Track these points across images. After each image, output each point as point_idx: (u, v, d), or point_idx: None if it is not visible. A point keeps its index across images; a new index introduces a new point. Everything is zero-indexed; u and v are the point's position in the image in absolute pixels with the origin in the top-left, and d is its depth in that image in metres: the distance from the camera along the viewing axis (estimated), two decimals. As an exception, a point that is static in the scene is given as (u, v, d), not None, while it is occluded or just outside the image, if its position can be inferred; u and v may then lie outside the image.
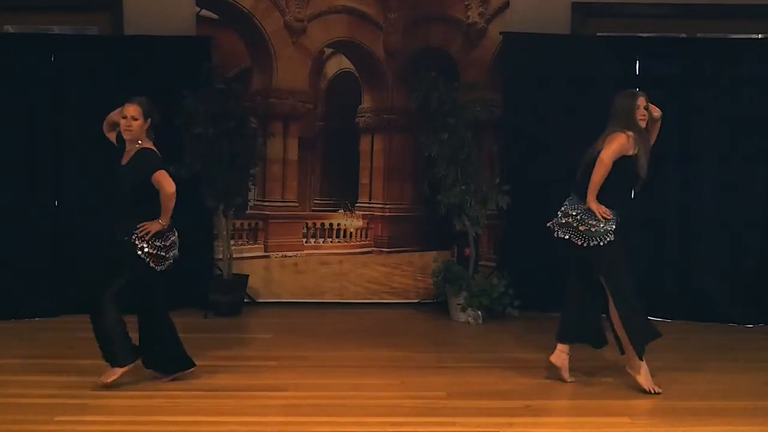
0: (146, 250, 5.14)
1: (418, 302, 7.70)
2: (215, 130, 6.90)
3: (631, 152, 5.19)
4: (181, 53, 7.26)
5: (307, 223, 7.71)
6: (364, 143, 7.70)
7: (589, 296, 5.51)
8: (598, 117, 7.22)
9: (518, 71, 7.38)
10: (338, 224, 7.73)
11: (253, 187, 7.49)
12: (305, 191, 7.69)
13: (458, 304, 7.15)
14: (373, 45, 7.60)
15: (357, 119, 7.68)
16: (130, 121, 5.11)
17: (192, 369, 5.44)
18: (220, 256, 7.42)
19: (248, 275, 7.51)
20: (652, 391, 5.18)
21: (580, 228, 5.31)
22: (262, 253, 7.67)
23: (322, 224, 7.73)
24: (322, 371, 5.72)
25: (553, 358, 5.47)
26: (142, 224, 5.11)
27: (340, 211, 7.73)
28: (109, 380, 5.17)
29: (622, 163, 5.19)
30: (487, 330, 6.96)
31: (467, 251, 7.30)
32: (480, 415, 4.85)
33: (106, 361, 5.23)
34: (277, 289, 7.68)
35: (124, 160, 5.24)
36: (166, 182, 5.11)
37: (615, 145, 5.17)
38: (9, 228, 7.01)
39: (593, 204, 5.20)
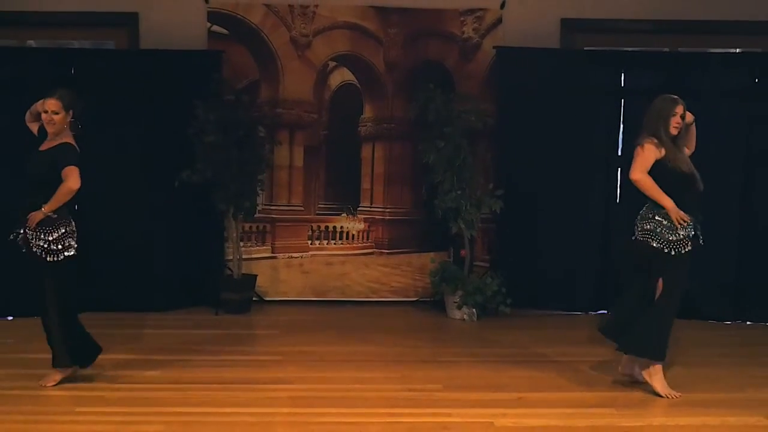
0: (40, 244, 4.88)
1: (416, 300, 7.70)
2: (225, 139, 6.91)
3: (659, 156, 4.91)
4: (193, 66, 7.27)
5: (312, 226, 7.71)
6: (366, 151, 7.71)
7: (644, 301, 5.19)
8: (586, 126, 7.33)
9: (510, 83, 7.39)
10: (341, 227, 7.74)
11: (261, 191, 7.47)
12: (310, 196, 7.69)
13: (454, 302, 7.16)
14: (374, 58, 7.61)
15: (359, 128, 7.68)
16: (51, 115, 4.83)
17: (72, 368, 5.14)
18: (230, 257, 7.43)
19: (256, 275, 7.52)
20: (671, 396, 4.99)
21: (654, 233, 4.98)
22: (270, 254, 7.67)
23: (326, 227, 7.73)
24: (326, 365, 5.73)
25: (622, 368, 5.33)
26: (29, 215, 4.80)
27: (343, 214, 7.73)
28: (48, 383, 5.08)
29: (657, 168, 4.91)
30: (481, 326, 6.97)
31: (463, 252, 7.32)
32: (475, 406, 4.86)
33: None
34: (284, 288, 7.68)
35: (43, 148, 4.98)
36: (72, 177, 4.82)
37: (638, 161, 4.93)
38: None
39: (674, 213, 4.87)
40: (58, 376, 5.09)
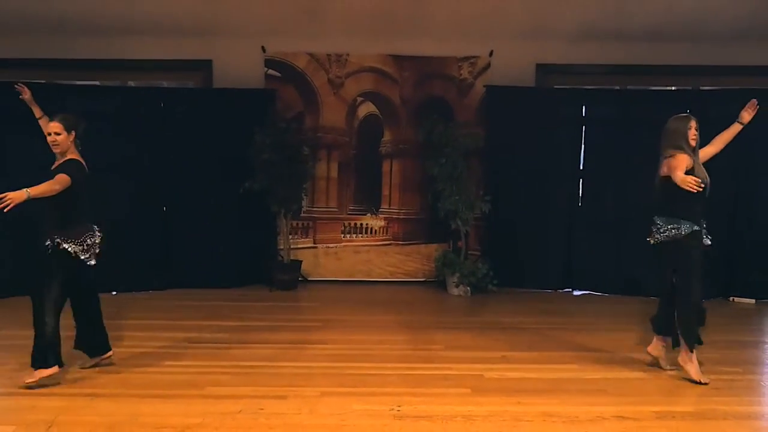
0: (67, 248, 4.19)
1: (424, 280, 7.69)
2: (278, 156, 6.94)
3: (690, 166, 4.35)
4: (254, 101, 7.30)
5: (344, 223, 7.71)
6: (386, 165, 7.70)
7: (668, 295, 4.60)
8: (555, 147, 7.31)
9: (497, 113, 7.37)
10: (366, 224, 7.74)
11: (305, 197, 7.49)
12: (343, 200, 7.69)
13: (453, 282, 7.15)
14: (392, 95, 7.61)
15: (380, 148, 7.68)
16: (54, 136, 4.28)
17: (51, 369, 4.22)
18: (282, 247, 7.45)
19: (301, 261, 7.54)
20: (703, 382, 4.39)
21: (661, 229, 4.47)
22: (312, 245, 7.68)
23: (355, 224, 7.74)
24: (354, 329, 5.74)
25: (650, 348, 4.74)
26: (4, 195, 3.80)
27: (368, 214, 7.73)
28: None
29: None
30: (473, 301, 6.95)
31: (460, 244, 7.31)
32: (468, 362, 4.86)
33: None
34: (322, 270, 7.69)
35: (53, 167, 4.31)
36: (58, 181, 4.09)
37: (681, 165, 4.29)
38: (134, 225, 7.03)
39: (684, 179, 4.16)
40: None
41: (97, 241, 4.36)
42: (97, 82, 7.53)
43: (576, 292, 7.37)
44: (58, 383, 4.25)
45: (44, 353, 4.18)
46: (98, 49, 7.21)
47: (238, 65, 7.38)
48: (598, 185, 7.37)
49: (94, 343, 4.58)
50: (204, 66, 7.44)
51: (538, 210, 7.33)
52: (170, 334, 5.43)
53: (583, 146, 7.39)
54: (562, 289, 7.44)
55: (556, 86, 7.60)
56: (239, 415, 3.84)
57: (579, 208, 7.42)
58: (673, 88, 7.67)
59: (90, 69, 7.37)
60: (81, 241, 4.25)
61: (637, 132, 7.05)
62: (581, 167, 7.40)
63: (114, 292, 6.86)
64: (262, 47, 7.41)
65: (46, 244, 4.19)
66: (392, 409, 3.94)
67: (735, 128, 4.66)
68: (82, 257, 4.25)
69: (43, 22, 6.92)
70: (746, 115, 4.63)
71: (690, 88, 7.55)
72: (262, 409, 3.93)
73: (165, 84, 7.81)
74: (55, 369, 4.23)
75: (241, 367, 4.67)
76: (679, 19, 7.02)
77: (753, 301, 6.96)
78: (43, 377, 4.19)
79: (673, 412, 3.96)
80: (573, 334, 5.62)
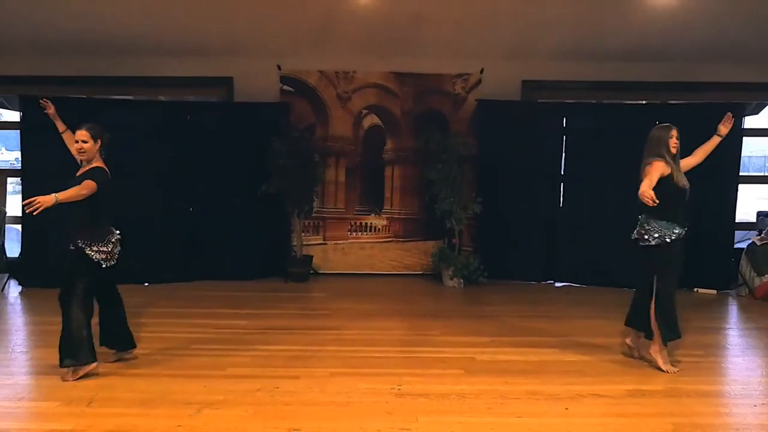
0: (91, 254, 4.00)
1: (421, 273, 7.67)
2: (292, 163, 6.94)
3: (666, 173, 4.20)
4: (270, 113, 7.30)
5: (351, 222, 7.71)
6: (388, 171, 7.69)
7: (646, 292, 4.41)
8: (539, 154, 7.31)
9: (487, 124, 7.36)
10: (371, 223, 7.73)
11: (316, 199, 7.48)
12: (350, 202, 7.68)
13: (448, 275, 7.15)
14: (394, 108, 7.60)
15: (383, 156, 7.67)
16: (81, 144, 4.04)
17: (85, 365, 4.04)
18: (295, 243, 7.45)
19: (312, 255, 7.53)
20: (670, 372, 4.28)
21: (651, 232, 4.26)
22: (322, 242, 7.67)
23: (361, 223, 7.73)
24: (359, 317, 5.75)
25: (629, 340, 4.60)
26: (34, 199, 3.66)
27: (372, 214, 7.72)
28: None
29: (663, 183, 4.17)
30: (466, 292, 6.95)
31: (454, 241, 7.30)
32: (461, 346, 4.87)
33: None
34: (332, 264, 7.67)
35: (78, 173, 4.10)
36: (85, 187, 3.90)
37: (653, 173, 4.16)
38: (164, 224, 7.07)
39: (643, 192, 3.98)
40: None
41: (117, 246, 4.14)
42: (131, 97, 7.55)
43: (557, 284, 7.37)
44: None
45: (75, 349, 3.98)
46: (132, 68, 7.23)
47: (256, 81, 7.38)
48: (577, 188, 7.36)
49: (119, 340, 4.39)
50: (226, 82, 7.44)
51: (524, 210, 7.32)
52: (196, 321, 5.46)
53: (564, 154, 7.38)
54: (545, 281, 7.43)
55: (539, 100, 7.58)
56: (258, 393, 3.87)
57: (560, 209, 7.42)
58: (645, 102, 7.67)
59: (125, 85, 7.39)
60: (103, 245, 4.04)
61: (612, 141, 7.04)
62: (562, 172, 7.39)
63: (146, 283, 6.89)
64: (278, 65, 7.42)
65: (71, 248, 3.99)
66: (393, 388, 3.96)
67: (714, 140, 4.55)
68: (104, 265, 4.06)
69: (84, 44, 6.95)
70: (723, 128, 4.54)
71: (659, 102, 7.55)
72: (277, 387, 3.95)
73: (191, 98, 7.83)
74: (93, 365, 4.06)
75: (259, 351, 4.69)
76: (651, 41, 7.02)
77: (714, 291, 6.96)
78: (79, 375, 4.02)
79: (643, 391, 3.98)
80: (554, 321, 5.64)
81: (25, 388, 3.97)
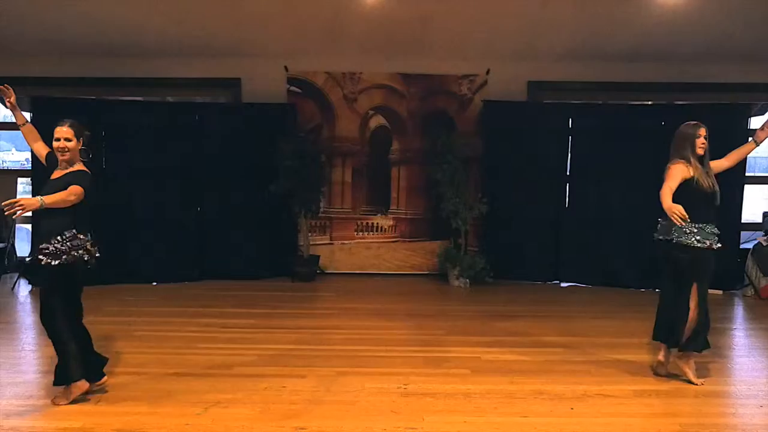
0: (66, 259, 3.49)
1: (427, 273, 7.65)
2: (299, 163, 6.93)
3: (689, 175, 3.92)
4: (277, 114, 7.30)
5: (357, 222, 7.70)
6: (394, 171, 7.68)
7: (676, 299, 4.09)
8: (544, 155, 7.29)
9: (493, 125, 7.33)
10: (377, 223, 7.72)
11: (323, 199, 7.48)
12: (356, 202, 7.67)
13: (454, 275, 7.14)
14: (400, 108, 7.59)
15: (389, 156, 7.66)
16: (65, 142, 3.56)
17: (79, 382, 3.62)
18: (302, 243, 7.45)
19: (319, 255, 7.52)
20: (698, 384, 4.03)
21: (691, 236, 3.95)
22: (329, 242, 7.67)
23: (367, 223, 7.72)
24: (366, 317, 5.75)
25: (661, 357, 4.21)
26: (17, 200, 3.23)
27: (378, 214, 7.71)
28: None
29: (685, 186, 3.91)
30: (472, 292, 6.93)
31: (460, 241, 7.27)
32: (466, 345, 4.86)
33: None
34: (338, 264, 7.67)
35: (55, 176, 3.62)
36: (73, 192, 3.44)
37: (672, 178, 3.91)
38: (173, 224, 7.07)
39: (670, 207, 3.76)
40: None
41: (92, 251, 3.62)
42: (139, 98, 7.56)
43: (563, 284, 7.34)
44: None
45: (66, 369, 3.62)
46: (141, 69, 7.24)
47: (264, 83, 7.39)
48: (583, 188, 7.33)
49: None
50: (234, 83, 7.45)
51: (529, 210, 7.29)
52: (203, 320, 5.46)
53: (569, 154, 7.35)
54: (551, 281, 7.40)
55: (545, 101, 7.56)
56: (265, 392, 3.86)
57: (565, 209, 7.39)
58: (649, 102, 7.63)
59: (134, 86, 7.40)
60: (81, 250, 3.55)
61: (617, 141, 7.03)
62: (568, 172, 7.37)
63: (155, 283, 6.91)
64: (285, 67, 7.42)
65: (44, 260, 3.47)
66: (400, 387, 3.95)
67: (749, 146, 4.27)
68: (79, 265, 3.57)
69: (94, 46, 6.97)
70: (762, 134, 4.22)
71: (664, 102, 7.50)
72: (284, 386, 3.95)
73: (199, 99, 7.82)
74: (84, 384, 3.65)
75: (267, 350, 4.69)
76: (655, 42, 6.98)
77: (720, 291, 6.91)
78: (74, 396, 3.64)
79: (649, 391, 3.96)
80: (560, 321, 5.61)
81: (35, 387, 3.97)
